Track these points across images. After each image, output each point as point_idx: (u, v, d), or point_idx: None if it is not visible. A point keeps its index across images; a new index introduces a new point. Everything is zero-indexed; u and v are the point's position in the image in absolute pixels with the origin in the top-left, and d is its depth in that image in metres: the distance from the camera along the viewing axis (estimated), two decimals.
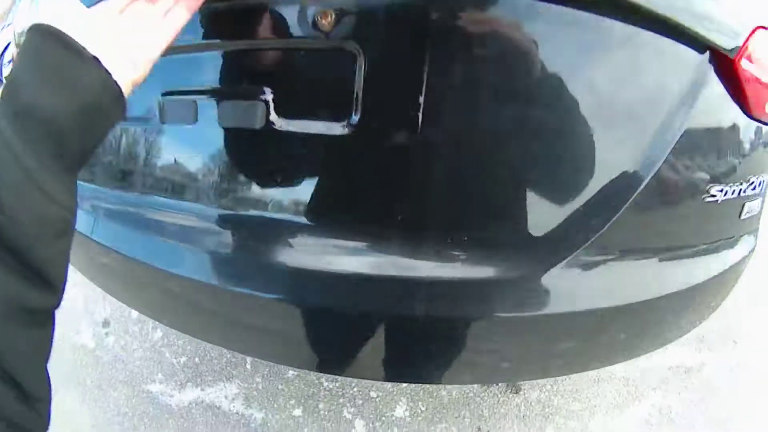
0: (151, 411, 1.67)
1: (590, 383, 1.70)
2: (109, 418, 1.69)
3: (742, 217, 0.92)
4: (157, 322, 1.82)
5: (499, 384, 1.65)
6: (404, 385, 1.63)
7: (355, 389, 1.62)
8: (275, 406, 1.61)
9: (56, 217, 0.43)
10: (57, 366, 2.03)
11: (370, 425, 1.57)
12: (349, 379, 1.65)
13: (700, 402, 1.68)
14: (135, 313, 1.86)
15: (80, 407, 1.70)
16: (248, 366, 1.69)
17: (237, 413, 1.62)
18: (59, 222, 0.43)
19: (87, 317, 1.91)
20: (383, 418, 1.58)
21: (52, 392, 0.49)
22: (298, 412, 1.60)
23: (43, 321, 0.46)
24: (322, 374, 1.66)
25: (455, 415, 1.59)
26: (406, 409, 1.59)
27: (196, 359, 1.73)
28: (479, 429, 1.57)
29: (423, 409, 1.59)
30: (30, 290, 0.42)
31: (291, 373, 1.67)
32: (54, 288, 0.45)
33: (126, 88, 0.48)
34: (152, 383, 1.72)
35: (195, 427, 1.62)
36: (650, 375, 1.73)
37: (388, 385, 1.63)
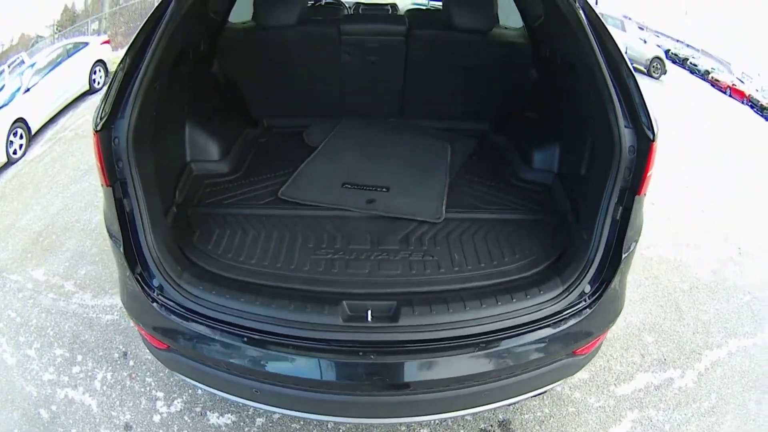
0: None
1: (571, 416, 1.95)
2: None
3: None
4: (181, 426, 1.98)
5: (492, 426, 1.89)
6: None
7: None
8: None
9: None
10: None
11: None
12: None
13: (678, 406, 1.93)
14: (157, 417, 2.01)
15: None
16: None
17: None
18: None
19: (105, 422, 1.95)
20: None
21: None
22: None
23: None
24: None
25: None
26: None
27: None
28: None
29: None
30: None
31: None
32: None
33: None
34: None
35: None
36: (623, 401, 2.00)
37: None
